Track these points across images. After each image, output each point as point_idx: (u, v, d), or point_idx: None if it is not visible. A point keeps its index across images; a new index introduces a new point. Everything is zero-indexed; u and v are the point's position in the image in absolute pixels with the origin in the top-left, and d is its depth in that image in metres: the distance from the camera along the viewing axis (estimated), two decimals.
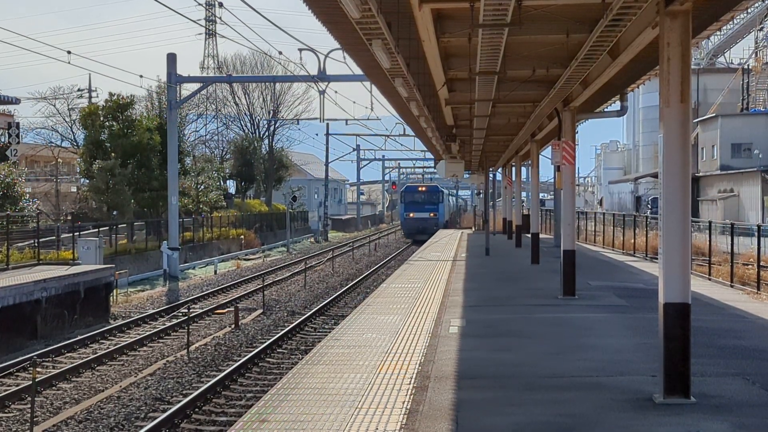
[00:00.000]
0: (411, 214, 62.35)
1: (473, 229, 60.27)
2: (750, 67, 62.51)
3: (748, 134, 55.24)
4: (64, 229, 33.03)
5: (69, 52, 28.39)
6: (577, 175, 45.06)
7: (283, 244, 58.65)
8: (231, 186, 69.36)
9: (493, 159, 41.30)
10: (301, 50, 32.19)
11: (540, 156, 32.97)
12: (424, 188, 65.67)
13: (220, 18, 27.43)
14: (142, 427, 12.35)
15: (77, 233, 31.30)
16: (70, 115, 56.36)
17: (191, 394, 14.10)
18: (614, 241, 34.82)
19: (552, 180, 41.75)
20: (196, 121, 68.24)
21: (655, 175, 57.49)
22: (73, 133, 56.09)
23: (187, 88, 43.41)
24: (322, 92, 36.75)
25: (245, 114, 72.91)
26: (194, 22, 28.89)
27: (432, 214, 62.24)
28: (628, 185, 75.05)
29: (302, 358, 14.22)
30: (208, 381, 15.17)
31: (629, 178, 76.87)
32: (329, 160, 71.15)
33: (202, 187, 50.62)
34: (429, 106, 19.87)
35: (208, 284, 32.66)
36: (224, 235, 49.94)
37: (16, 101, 39.93)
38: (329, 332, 14.79)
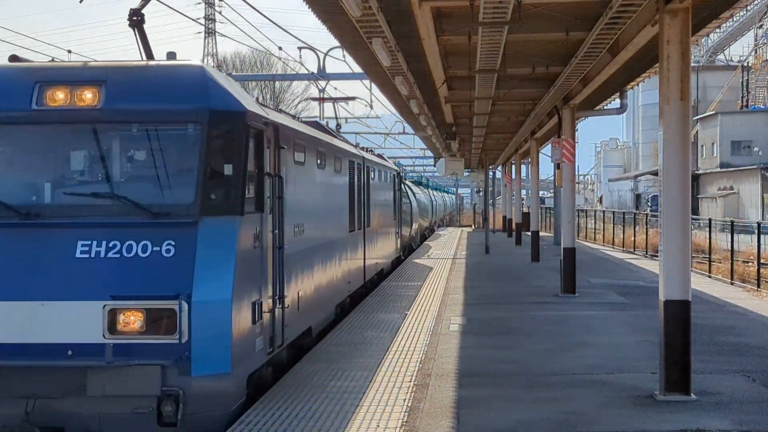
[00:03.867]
0: None
1: (473, 227, 60.26)
2: (749, 65, 62.57)
3: (747, 132, 55.30)
4: None
5: (69, 51, 28.39)
6: (576, 173, 45.03)
7: None
8: None
9: (493, 157, 41.29)
10: (300, 48, 32.15)
11: (540, 154, 33.01)
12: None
13: (220, 12, 27.44)
14: None
15: None
16: None
17: None
18: (614, 238, 34.86)
19: (552, 178, 41.76)
20: None
21: (654, 173, 57.50)
22: None
23: None
24: (322, 90, 36.70)
25: None
26: (194, 20, 28.88)
27: None
28: (628, 183, 75.10)
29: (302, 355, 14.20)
30: None
31: (629, 175, 76.93)
32: None
33: None
34: (429, 104, 19.87)
35: None
36: None
37: None
38: (329, 330, 14.77)
